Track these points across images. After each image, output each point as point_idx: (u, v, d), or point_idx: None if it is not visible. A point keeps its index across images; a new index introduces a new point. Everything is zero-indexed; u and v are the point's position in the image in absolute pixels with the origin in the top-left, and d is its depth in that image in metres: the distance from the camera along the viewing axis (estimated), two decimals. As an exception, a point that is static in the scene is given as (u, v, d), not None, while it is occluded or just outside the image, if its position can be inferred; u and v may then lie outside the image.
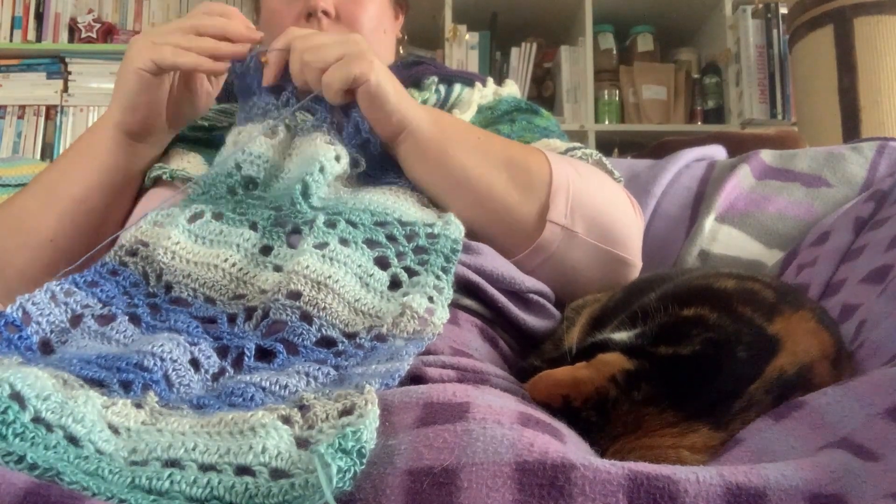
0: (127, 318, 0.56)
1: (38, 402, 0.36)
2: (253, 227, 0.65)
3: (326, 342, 0.55)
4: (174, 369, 0.48)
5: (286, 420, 0.39)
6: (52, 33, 2.78)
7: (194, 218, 0.64)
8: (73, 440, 0.36)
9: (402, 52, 1.09)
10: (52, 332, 0.53)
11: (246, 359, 0.52)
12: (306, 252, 0.58)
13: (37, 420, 0.36)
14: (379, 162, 0.74)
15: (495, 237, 0.72)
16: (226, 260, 0.61)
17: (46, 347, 0.52)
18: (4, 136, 2.72)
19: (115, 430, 0.39)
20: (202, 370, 0.50)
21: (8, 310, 0.52)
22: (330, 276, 0.57)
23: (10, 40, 2.76)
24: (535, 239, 0.72)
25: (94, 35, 2.78)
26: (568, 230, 0.72)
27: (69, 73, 2.76)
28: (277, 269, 0.61)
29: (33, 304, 0.53)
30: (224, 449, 0.36)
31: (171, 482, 0.34)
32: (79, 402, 0.38)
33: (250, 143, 0.71)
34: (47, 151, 2.74)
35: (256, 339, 0.54)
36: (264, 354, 0.53)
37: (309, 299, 0.56)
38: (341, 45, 0.68)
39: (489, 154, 0.72)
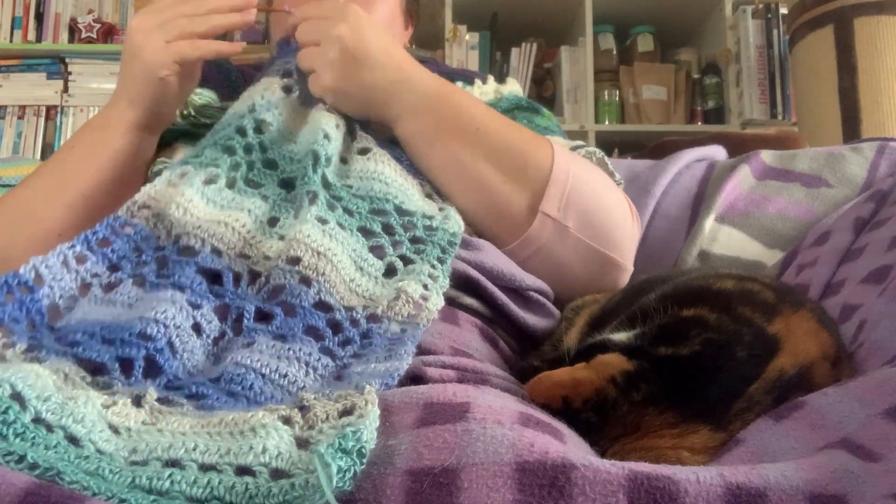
0: (132, 280, 0.56)
1: (39, 403, 0.36)
2: (264, 199, 0.66)
3: (324, 307, 0.55)
4: (178, 335, 0.49)
5: (286, 420, 0.39)
6: (52, 33, 2.78)
7: (209, 181, 0.65)
8: (73, 440, 0.36)
9: None
10: (60, 297, 0.53)
11: (245, 320, 0.53)
12: (308, 222, 0.59)
13: (37, 420, 0.36)
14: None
15: (486, 225, 0.72)
16: (237, 220, 0.62)
17: (54, 312, 0.53)
18: (4, 136, 2.72)
19: (115, 430, 0.39)
20: (204, 335, 0.51)
21: (21, 269, 0.52)
22: (329, 249, 0.58)
23: (10, 40, 2.76)
24: (526, 230, 0.72)
25: (95, 35, 2.78)
26: (559, 223, 0.72)
27: (69, 73, 2.76)
28: (282, 238, 0.61)
29: (46, 266, 0.54)
30: (224, 449, 0.36)
31: (172, 482, 0.34)
32: (79, 403, 0.38)
33: (267, 89, 0.72)
34: (47, 151, 2.74)
35: (257, 303, 0.55)
36: (263, 318, 0.54)
37: (309, 264, 0.57)
38: (312, 57, 0.71)
39: (484, 143, 0.73)
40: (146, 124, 0.75)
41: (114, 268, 0.57)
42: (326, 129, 0.69)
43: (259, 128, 0.70)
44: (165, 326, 0.48)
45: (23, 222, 0.74)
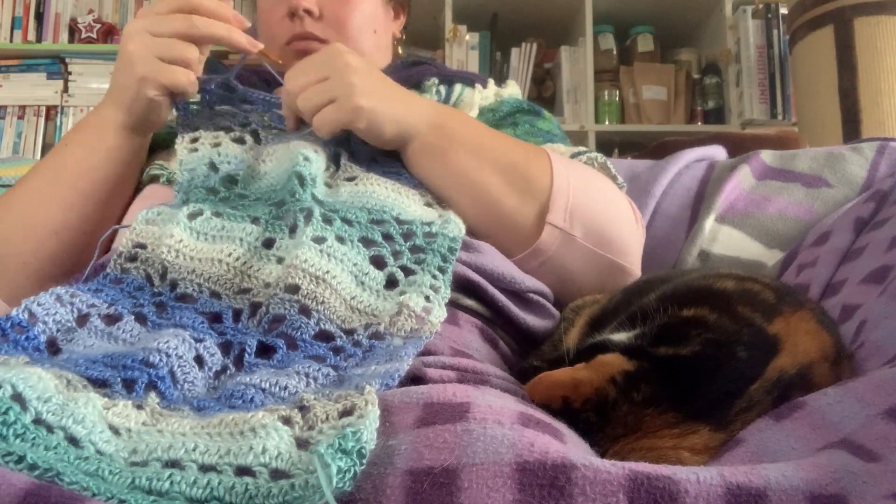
0: (133, 317, 0.56)
1: (40, 404, 0.36)
2: (255, 221, 0.64)
3: (325, 336, 0.55)
4: (179, 366, 0.48)
5: (286, 421, 0.39)
6: (52, 33, 2.78)
7: (194, 216, 0.64)
8: (73, 441, 0.36)
9: (400, 51, 1.09)
10: (58, 330, 0.53)
11: (247, 356, 0.52)
12: (304, 245, 0.58)
13: (38, 421, 0.36)
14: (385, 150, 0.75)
15: (495, 238, 0.72)
16: (229, 254, 0.61)
17: (53, 346, 0.52)
18: (4, 136, 2.72)
19: (115, 431, 0.39)
20: (206, 367, 0.51)
21: (13, 311, 0.52)
22: (328, 272, 0.58)
23: (10, 40, 2.76)
24: (534, 241, 0.72)
25: (95, 35, 2.78)
26: (566, 233, 0.72)
27: (69, 73, 2.76)
28: (280, 261, 0.61)
29: (38, 305, 0.53)
30: (224, 449, 0.36)
31: (171, 483, 0.34)
32: (79, 404, 0.38)
33: (219, 144, 0.72)
34: (47, 151, 2.72)
35: (258, 336, 0.54)
36: (265, 350, 0.53)
37: (307, 293, 0.56)
38: (327, 89, 0.69)
39: (490, 158, 0.73)
40: (135, 128, 0.75)
41: (111, 304, 0.57)
42: (305, 152, 0.67)
43: (229, 181, 0.70)
44: (168, 356, 0.48)
45: (20, 221, 0.74)
